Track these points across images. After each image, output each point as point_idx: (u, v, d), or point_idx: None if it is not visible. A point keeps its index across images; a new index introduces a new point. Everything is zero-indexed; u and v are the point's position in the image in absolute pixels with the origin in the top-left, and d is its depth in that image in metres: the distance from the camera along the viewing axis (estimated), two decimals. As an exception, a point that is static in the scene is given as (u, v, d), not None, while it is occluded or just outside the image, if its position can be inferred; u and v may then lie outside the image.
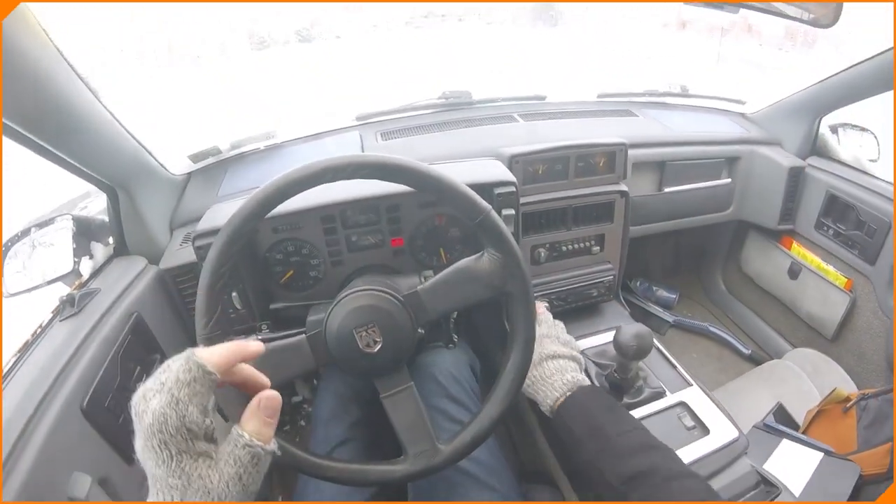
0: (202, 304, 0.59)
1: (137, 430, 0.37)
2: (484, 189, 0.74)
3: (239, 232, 0.59)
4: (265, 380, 0.45)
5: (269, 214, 0.75)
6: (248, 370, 0.44)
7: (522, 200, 0.99)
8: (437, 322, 0.89)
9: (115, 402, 0.77)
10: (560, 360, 0.76)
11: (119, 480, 0.74)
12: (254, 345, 0.43)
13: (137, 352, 0.87)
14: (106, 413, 0.75)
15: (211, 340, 0.59)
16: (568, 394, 0.71)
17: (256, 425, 0.40)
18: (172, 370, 0.38)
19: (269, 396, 0.41)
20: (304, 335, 0.64)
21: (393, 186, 0.64)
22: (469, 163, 0.97)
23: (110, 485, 0.71)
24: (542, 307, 0.87)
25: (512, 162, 0.99)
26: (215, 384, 0.39)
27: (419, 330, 0.73)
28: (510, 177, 0.88)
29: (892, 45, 1.00)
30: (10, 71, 0.63)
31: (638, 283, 1.72)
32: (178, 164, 1.14)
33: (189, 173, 1.17)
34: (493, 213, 0.62)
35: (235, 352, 0.41)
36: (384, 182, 0.62)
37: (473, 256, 0.65)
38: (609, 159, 1.06)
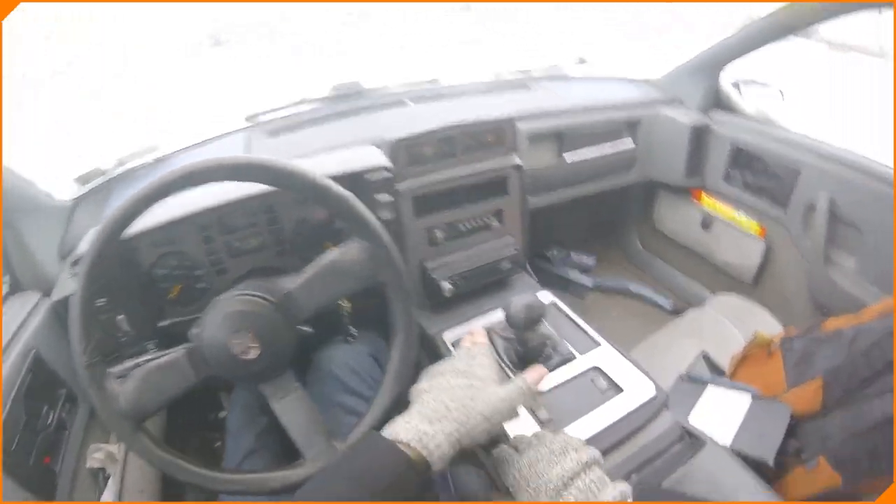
0: (76, 335, 0.59)
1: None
2: (355, 177, 0.73)
3: (98, 258, 0.58)
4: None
5: (143, 229, 0.76)
6: None
7: (412, 184, 0.99)
8: (329, 316, 0.89)
9: (24, 443, 0.74)
10: (583, 476, 0.50)
11: None
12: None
13: (42, 390, 0.83)
14: (16, 457, 0.71)
15: (92, 367, 0.59)
16: None
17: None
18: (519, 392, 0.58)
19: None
20: (182, 350, 0.63)
21: (261, 186, 0.63)
22: (341, 152, 0.96)
23: None
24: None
25: (396, 147, 0.98)
26: None
27: (305, 328, 0.72)
28: (383, 161, 0.88)
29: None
30: None
31: (555, 252, 1.75)
32: (66, 190, 1.09)
33: (79, 197, 1.12)
34: (353, 200, 0.62)
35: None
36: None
37: (339, 248, 0.64)
38: (497, 134, 1.06)
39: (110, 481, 0.93)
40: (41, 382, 0.83)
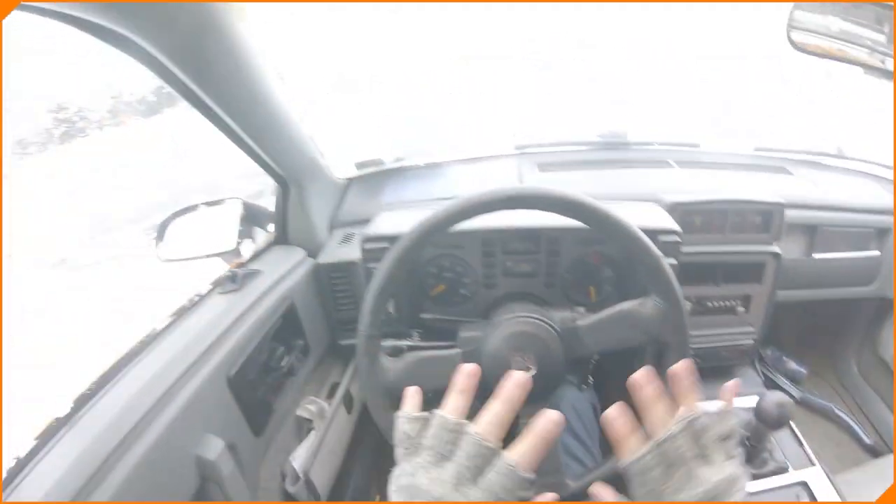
0: (370, 304, 0.62)
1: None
2: (649, 235, 0.75)
3: (420, 241, 0.62)
4: None
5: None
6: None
7: None
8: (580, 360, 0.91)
9: (258, 378, 0.83)
10: None
11: (245, 449, 0.78)
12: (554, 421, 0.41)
13: (285, 336, 0.93)
14: (248, 386, 0.80)
15: (372, 339, 0.63)
16: None
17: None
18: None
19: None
20: (458, 350, 0.67)
21: (557, 219, 0.63)
22: (633, 206, 0.98)
23: (236, 451, 0.76)
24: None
25: (672, 209, 1.00)
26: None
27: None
28: (675, 225, 0.89)
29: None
30: (222, 61, 0.68)
31: (769, 352, 1.61)
32: (340, 170, 1.25)
33: (349, 179, 1.28)
34: (665, 261, 0.63)
35: (545, 441, 0.39)
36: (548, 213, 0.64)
37: (636, 301, 0.65)
38: (764, 218, 1.04)
39: (312, 434, 1.02)
40: (287, 330, 0.94)
